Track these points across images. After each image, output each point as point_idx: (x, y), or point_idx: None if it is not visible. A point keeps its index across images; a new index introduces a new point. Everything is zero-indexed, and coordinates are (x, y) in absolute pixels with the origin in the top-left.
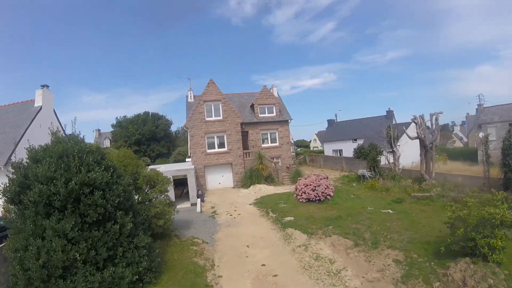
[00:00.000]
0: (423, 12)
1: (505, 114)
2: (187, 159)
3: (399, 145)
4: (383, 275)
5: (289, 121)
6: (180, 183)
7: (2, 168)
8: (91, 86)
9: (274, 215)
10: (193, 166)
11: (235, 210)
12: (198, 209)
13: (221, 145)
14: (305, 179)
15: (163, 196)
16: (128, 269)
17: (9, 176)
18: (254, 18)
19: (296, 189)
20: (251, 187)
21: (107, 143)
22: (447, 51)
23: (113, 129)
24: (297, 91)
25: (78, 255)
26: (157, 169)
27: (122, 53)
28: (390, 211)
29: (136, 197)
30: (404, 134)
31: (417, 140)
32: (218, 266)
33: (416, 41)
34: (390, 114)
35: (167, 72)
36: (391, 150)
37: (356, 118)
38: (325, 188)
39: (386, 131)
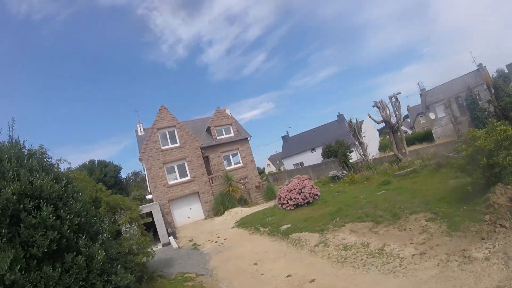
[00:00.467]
0: (343, 29)
1: (448, 91)
2: (147, 197)
3: (364, 136)
4: (429, 234)
5: (248, 138)
6: (147, 227)
7: None
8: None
9: (267, 229)
10: (157, 202)
11: (219, 237)
12: (175, 245)
13: (183, 173)
14: (286, 185)
15: (134, 225)
16: None
17: None
18: (188, 59)
19: (279, 198)
20: (226, 213)
21: None
22: (372, 60)
23: None
24: (241, 124)
25: None
26: None
27: (55, 113)
28: (385, 192)
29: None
30: (362, 128)
31: (374, 136)
32: None
33: (342, 57)
34: (341, 117)
35: (107, 124)
36: (358, 142)
37: (309, 129)
38: (311, 189)
39: (349, 125)
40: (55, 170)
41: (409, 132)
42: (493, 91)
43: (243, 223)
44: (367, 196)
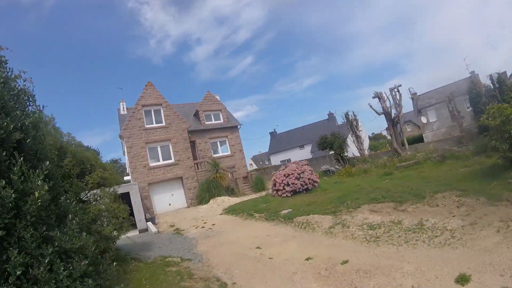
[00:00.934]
0: (329, 39)
1: (440, 96)
2: (125, 178)
3: (361, 130)
4: (469, 206)
5: (238, 127)
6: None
7: None
8: None
9: (263, 214)
10: (136, 183)
11: (205, 223)
12: (154, 229)
13: (167, 156)
14: (283, 170)
15: (110, 189)
16: None
17: None
18: (175, 56)
19: (274, 184)
20: (211, 201)
21: None
22: (356, 71)
23: None
24: None
25: None
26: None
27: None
28: (391, 180)
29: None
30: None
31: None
32: (236, 284)
33: (327, 67)
34: (331, 117)
35: (88, 115)
36: (354, 136)
37: (298, 126)
38: (310, 174)
39: (346, 117)
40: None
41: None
42: (496, 86)
43: (232, 210)
44: (372, 184)
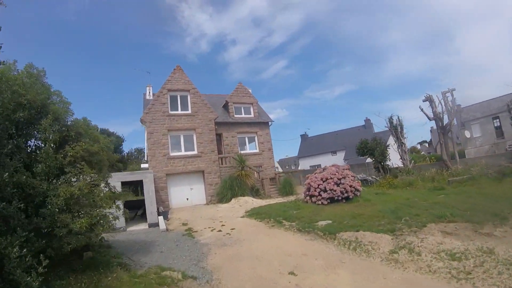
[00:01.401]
0: (364, 48)
1: (486, 110)
2: (142, 165)
3: (406, 137)
4: None
5: (269, 123)
6: (133, 206)
7: None
8: None
9: (294, 223)
10: (151, 171)
11: (223, 225)
12: (163, 226)
13: (189, 146)
14: (319, 172)
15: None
16: None
17: None
18: (209, 55)
19: (308, 189)
20: (233, 200)
21: None
22: (388, 83)
23: None
24: None
25: None
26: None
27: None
28: (446, 195)
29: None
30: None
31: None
32: None
33: (360, 76)
34: (368, 123)
35: (117, 105)
36: (398, 143)
37: (331, 131)
38: (352, 181)
39: (389, 121)
40: None
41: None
42: None
43: (256, 214)
44: (426, 199)
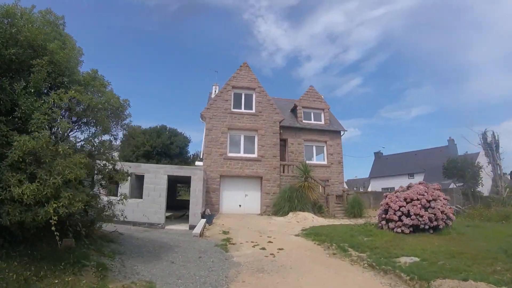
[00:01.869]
0: (444, 67)
1: None
2: (197, 163)
3: (502, 158)
4: None
5: (341, 133)
6: (180, 206)
7: None
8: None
9: (364, 255)
10: (201, 167)
11: (271, 241)
12: (197, 230)
13: (249, 148)
14: (401, 191)
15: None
16: None
17: None
18: (284, 69)
19: (385, 211)
20: (290, 214)
21: (115, 156)
22: (469, 106)
23: (123, 139)
24: None
25: None
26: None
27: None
28: None
29: None
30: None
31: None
32: None
33: (439, 97)
34: (452, 144)
35: (190, 113)
36: (492, 164)
37: (409, 151)
38: (444, 205)
39: (483, 137)
40: None
41: None
42: None
43: (315, 234)
44: None
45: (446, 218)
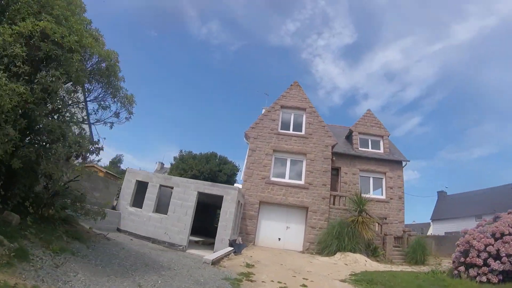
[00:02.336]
0: (506, 104)
1: None
2: (235, 185)
3: None
4: None
5: (403, 163)
6: (214, 233)
7: None
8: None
9: None
10: (237, 187)
11: (305, 286)
12: (211, 256)
13: (296, 174)
14: (488, 224)
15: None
16: None
17: None
18: (341, 108)
19: (463, 252)
20: (338, 254)
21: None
22: None
23: (173, 162)
24: None
25: None
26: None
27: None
28: None
29: None
30: None
31: None
32: None
33: (502, 136)
34: None
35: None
36: None
37: (476, 189)
38: None
39: None
40: None
41: None
42: None
43: (368, 282)
44: None
45: None
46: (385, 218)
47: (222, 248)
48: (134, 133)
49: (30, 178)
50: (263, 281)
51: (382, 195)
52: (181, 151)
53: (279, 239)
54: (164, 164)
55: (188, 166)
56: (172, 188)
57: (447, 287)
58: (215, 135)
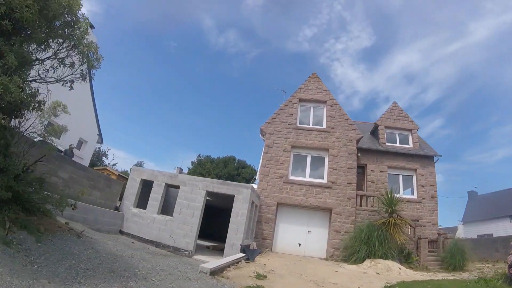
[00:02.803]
0: None
1: None
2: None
3: None
4: None
5: (435, 158)
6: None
7: None
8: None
9: None
10: (250, 185)
11: None
12: (211, 265)
13: (317, 172)
14: None
15: None
16: None
17: None
18: (361, 112)
19: None
20: (367, 261)
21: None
22: None
23: (191, 167)
24: None
25: None
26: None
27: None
28: None
29: None
30: None
31: None
32: None
33: None
34: None
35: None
36: None
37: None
38: None
39: None
40: None
41: None
42: None
43: None
44: None
45: None
46: (418, 220)
47: (232, 254)
48: (154, 141)
49: None
50: None
51: (413, 194)
52: (199, 155)
53: (299, 244)
54: (182, 170)
55: (205, 170)
56: (178, 187)
57: None
58: (233, 140)
